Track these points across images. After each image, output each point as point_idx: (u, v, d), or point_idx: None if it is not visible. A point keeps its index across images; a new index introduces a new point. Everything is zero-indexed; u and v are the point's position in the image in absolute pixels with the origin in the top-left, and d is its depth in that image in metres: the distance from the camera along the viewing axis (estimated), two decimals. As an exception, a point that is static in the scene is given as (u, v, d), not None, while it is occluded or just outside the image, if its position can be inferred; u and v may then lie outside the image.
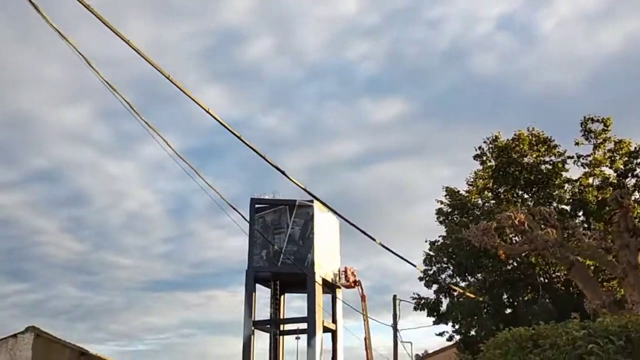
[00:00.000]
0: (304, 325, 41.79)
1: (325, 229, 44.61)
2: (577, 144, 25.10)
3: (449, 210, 27.72)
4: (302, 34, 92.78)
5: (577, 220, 24.09)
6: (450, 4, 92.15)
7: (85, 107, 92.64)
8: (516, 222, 13.34)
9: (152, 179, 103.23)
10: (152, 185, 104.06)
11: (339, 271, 45.71)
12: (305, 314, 41.69)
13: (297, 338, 42.93)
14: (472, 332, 25.93)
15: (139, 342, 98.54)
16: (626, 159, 24.76)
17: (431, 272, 27.22)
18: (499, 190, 27.21)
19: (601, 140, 24.76)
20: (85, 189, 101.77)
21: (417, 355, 34.78)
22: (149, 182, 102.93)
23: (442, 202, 27.96)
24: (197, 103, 9.45)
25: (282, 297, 45.57)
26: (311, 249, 42.48)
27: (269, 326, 44.24)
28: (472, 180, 27.88)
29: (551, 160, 26.49)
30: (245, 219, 17.95)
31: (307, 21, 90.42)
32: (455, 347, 27.91)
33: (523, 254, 21.32)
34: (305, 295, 42.07)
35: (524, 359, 7.31)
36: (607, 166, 25.24)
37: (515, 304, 26.03)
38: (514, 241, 17.69)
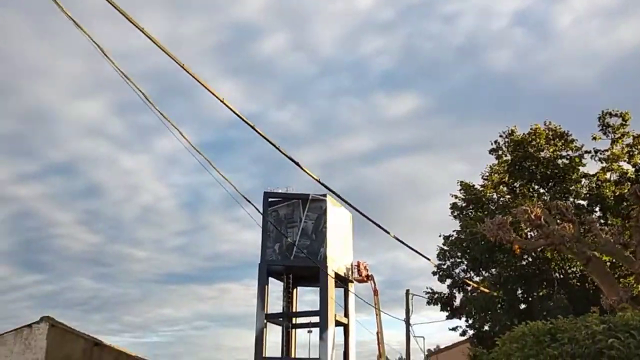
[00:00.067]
0: (316, 319, 41.80)
1: (338, 223, 44.57)
2: (594, 138, 24.78)
3: (464, 204, 27.59)
4: (317, 30, 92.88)
5: (594, 216, 23.77)
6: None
7: (100, 100, 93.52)
8: (532, 216, 13.10)
9: (166, 172, 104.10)
10: (166, 179, 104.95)
11: (351, 265, 45.68)
12: (317, 308, 41.68)
13: (310, 331, 43.07)
14: (486, 327, 25.77)
15: (153, 333, 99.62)
16: (645, 154, 24.42)
17: (445, 266, 27.16)
18: (515, 184, 27.00)
19: (619, 134, 24.40)
20: (100, 181, 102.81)
21: (429, 350, 34.64)
22: (163, 176, 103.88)
23: (456, 197, 27.83)
24: (211, 92, 9.39)
25: (294, 290, 45.63)
26: (324, 242, 42.43)
27: (281, 319, 44.33)
28: (487, 174, 27.68)
29: (568, 154, 26.21)
30: (260, 211, 17.95)
31: (322, 16, 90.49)
32: (468, 342, 27.75)
33: (538, 249, 21.08)
34: (318, 289, 42.06)
35: (541, 353, 7.16)
36: (625, 161, 24.91)
37: (530, 299, 25.80)
38: (530, 236, 17.50)
